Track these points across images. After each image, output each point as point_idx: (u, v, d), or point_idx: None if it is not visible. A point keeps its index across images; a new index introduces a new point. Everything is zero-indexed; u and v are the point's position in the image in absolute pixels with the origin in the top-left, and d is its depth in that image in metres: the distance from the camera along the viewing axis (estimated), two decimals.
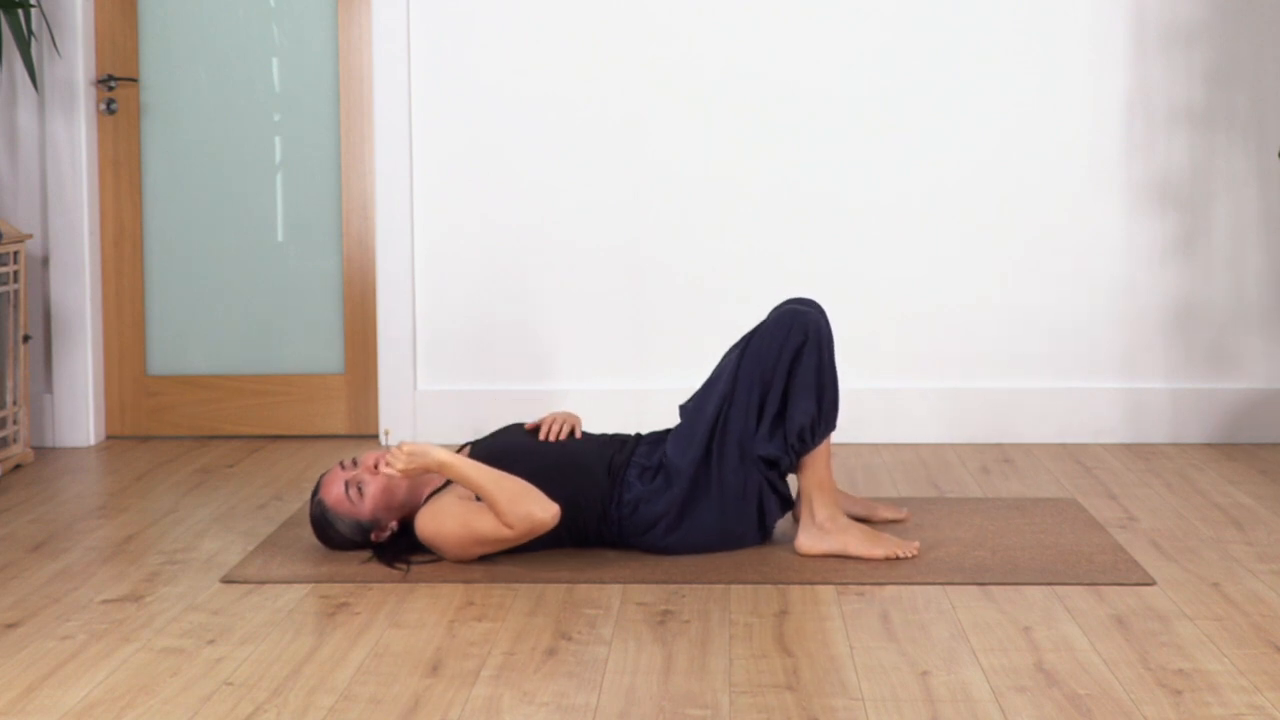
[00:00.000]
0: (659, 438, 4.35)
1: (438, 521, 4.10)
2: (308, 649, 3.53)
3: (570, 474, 4.22)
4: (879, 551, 4.19)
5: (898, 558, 4.18)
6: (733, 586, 3.99)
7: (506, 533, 4.04)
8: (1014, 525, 4.55)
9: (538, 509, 4.03)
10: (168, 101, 5.95)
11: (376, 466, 4.21)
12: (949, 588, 3.96)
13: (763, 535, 4.32)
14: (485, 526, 4.06)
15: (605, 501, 4.22)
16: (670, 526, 4.21)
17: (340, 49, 5.89)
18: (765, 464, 4.21)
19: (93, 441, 5.92)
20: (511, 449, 4.26)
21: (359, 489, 4.19)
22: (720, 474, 4.21)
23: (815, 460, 4.24)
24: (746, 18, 5.77)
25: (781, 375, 4.18)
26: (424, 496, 4.28)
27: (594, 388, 5.87)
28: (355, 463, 4.24)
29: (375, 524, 4.22)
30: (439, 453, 4.09)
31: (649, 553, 4.27)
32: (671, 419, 5.86)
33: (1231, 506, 4.81)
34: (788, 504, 4.31)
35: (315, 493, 4.25)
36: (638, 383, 5.88)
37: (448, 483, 4.22)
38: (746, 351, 4.23)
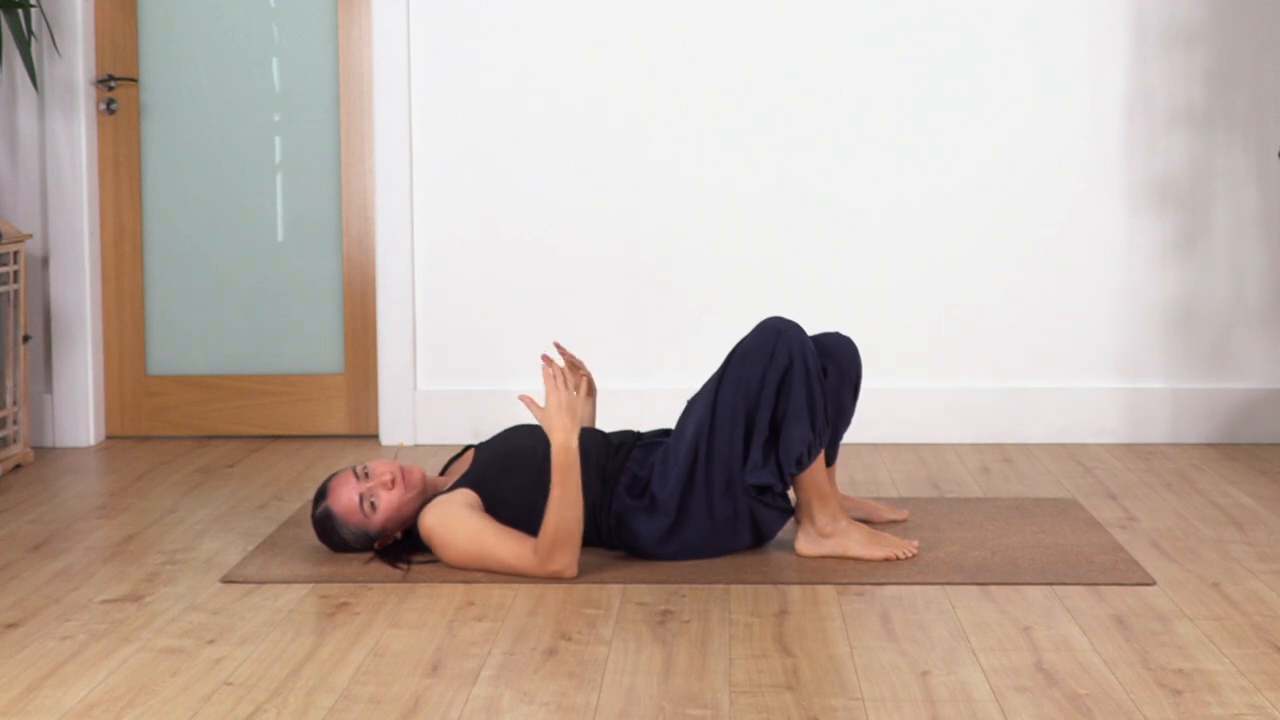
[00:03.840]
0: (656, 440, 4.31)
1: (446, 528, 4.07)
2: (308, 649, 3.53)
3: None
4: (879, 552, 4.18)
5: (897, 558, 4.18)
6: (733, 586, 3.99)
7: (523, 564, 4.00)
8: (1014, 525, 4.55)
9: (570, 564, 4.00)
10: (168, 101, 5.95)
11: (393, 482, 4.17)
12: (949, 588, 3.96)
13: (763, 542, 4.30)
14: (502, 552, 4.02)
15: (597, 509, 4.19)
16: (664, 547, 4.18)
17: (340, 49, 5.89)
18: (757, 490, 4.16)
19: (93, 441, 5.92)
20: (515, 453, 4.24)
21: (373, 504, 4.16)
22: (708, 499, 4.14)
23: (813, 468, 4.20)
24: (747, 22, 5.77)
25: (769, 400, 4.08)
26: (429, 499, 4.26)
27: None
28: (368, 473, 4.20)
29: (382, 534, 4.21)
30: (574, 440, 3.93)
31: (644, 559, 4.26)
32: (671, 419, 5.85)
33: (1231, 506, 4.81)
34: (789, 513, 4.26)
35: (321, 496, 4.22)
36: (638, 383, 5.88)
37: (454, 485, 4.20)
38: (725, 377, 4.12)
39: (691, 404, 4.21)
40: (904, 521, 4.59)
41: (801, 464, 4.12)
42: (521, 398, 3.89)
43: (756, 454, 4.10)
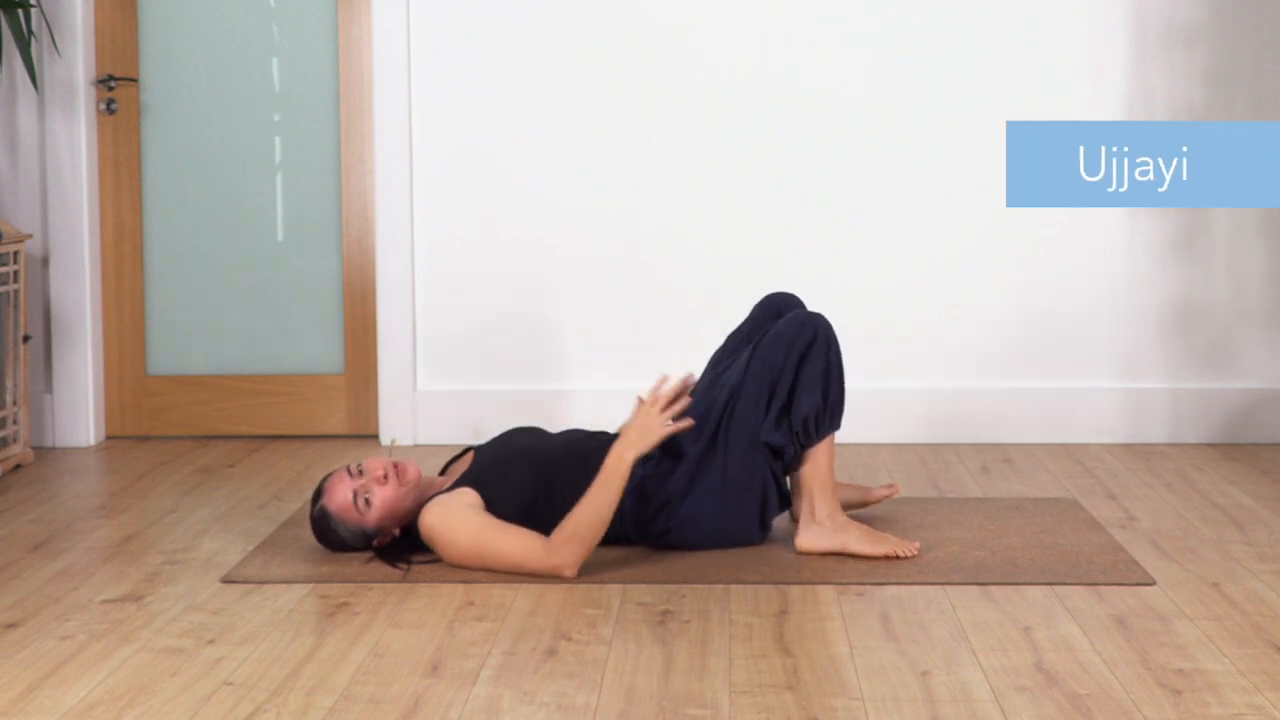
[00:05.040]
0: None
1: (448, 528, 4.07)
2: (308, 649, 3.53)
3: (578, 475, 4.19)
4: (880, 549, 4.19)
5: (898, 557, 4.19)
6: (733, 586, 3.99)
7: (527, 559, 4.01)
8: (1014, 525, 4.55)
9: (575, 562, 4.03)
10: (168, 101, 5.95)
11: (386, 477, 4.18)
12: (949, 588, 3.96)
13: (763, 532, 4.32)
14: (506, 548, 4.02)
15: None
16: (672, 513, 4.21)
17: (340, 49, 5.89)
18: (770, 452, 4.23)
19: (93, 441, 5.92)
20: (522, 452, 4.24)
21: (367, 500, 4.17)
22: (725, 460, 4.22)
23: (817, 458, 4.25)
24: (747, 22, 5.77)
25: (790, 370, 4.21)
26: (428, 499, 4.26)
27: (595, 387, 5.86)
28: (361, 470, 4.20)
29: (379, 532, 4.21)
30: (632, 456, 4.07)
31: (650, 545, 4.26)
32: None
33: (1231, 506, 4.81)
34: (785, 502, 4.32)
35: (318, 496, 4.22)
36: (638, 383, 5.88)
37: (454, 485, 4.21)
38: (758, 349, 4.26)
39: (718, 375, 4.35)
40: (895, 494, 4.65)
41: (809, 428, 4.20)
42: (640, 396, 4.14)
43: (772, 419, 4.21)
